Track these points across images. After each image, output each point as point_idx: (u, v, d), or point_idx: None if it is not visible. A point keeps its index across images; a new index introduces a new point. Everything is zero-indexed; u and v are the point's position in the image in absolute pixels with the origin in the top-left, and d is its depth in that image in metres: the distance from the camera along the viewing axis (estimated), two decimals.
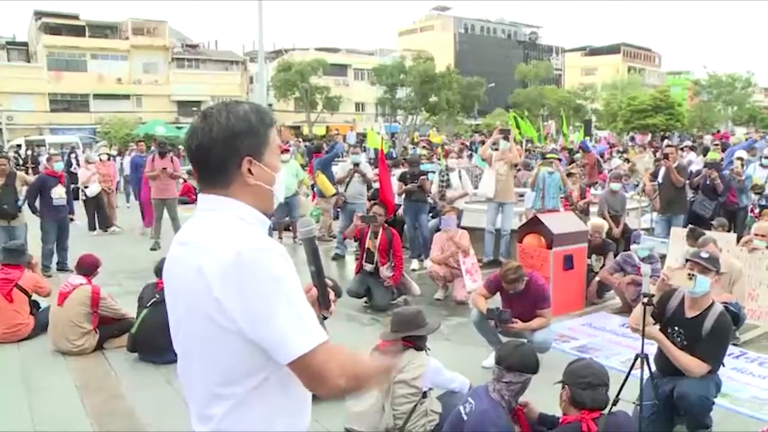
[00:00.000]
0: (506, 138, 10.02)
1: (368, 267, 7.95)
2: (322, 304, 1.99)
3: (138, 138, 24.24)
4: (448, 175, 10.27)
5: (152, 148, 14.37)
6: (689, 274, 4.20)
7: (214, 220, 1.73)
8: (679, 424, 4.38)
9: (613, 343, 6.53)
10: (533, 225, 7.87)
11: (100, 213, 13.51)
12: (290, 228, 11.91)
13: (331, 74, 56.74)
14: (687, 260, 4.46)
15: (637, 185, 13.17)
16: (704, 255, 4.33)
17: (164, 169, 11.35)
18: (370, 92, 57.37)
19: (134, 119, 45.83)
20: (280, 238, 11.61)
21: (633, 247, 7.78)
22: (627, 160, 18.63)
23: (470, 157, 17.87)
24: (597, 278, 7.97)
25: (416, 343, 4.15)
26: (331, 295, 2.02)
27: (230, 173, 1.74)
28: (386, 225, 8.23)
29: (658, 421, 4.19)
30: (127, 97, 52.45)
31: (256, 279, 1.58)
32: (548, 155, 10.85)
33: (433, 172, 10.93)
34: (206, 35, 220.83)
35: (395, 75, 50.29)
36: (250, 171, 1.74)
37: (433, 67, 50.40)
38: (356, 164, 10.92)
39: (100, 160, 14.40)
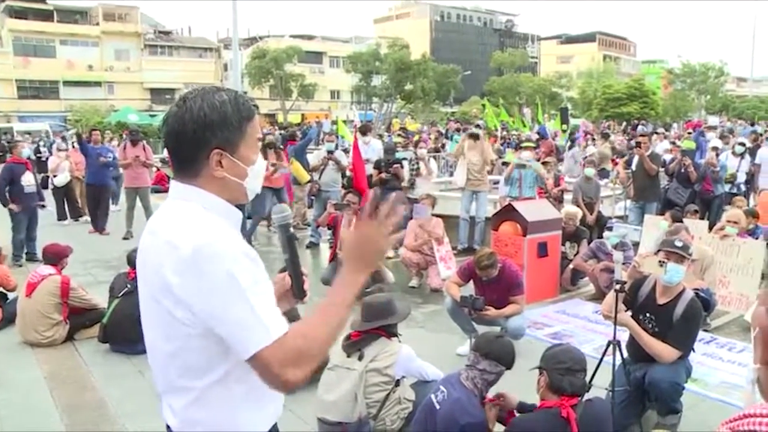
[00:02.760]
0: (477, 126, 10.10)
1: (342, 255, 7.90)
2: (296, 293, 1.96)
3: (92, 127, 21.25)
4: (418, 164, 10.28)
5: (124, 136, 14.06)
6: (660, 262, 4.24)
7: (181, 209, 1.70)
8: (650, 409, 4.42)
9: (587, 330, 6.59)
10: (508, 212, 7.89)
11: (69, 202, 13.24)
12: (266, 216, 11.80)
13: (306, 62, 56.33)
14: (659, 249, 4.48)
15: (609, 174, 13.22)
16: (678, 243, 4.35)
17: (137, 157, 11.20)
18: (346, 80, 57.16)
19: (106, 107, 45.17)
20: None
21: (606, 234, 7.82)
22: None
23: (443, 146, 17.86)
24: (571, 265, 8.02)
25: (387, 330, 4.14)
26: (306, 284, 1.97)
27: (199, 163, 1.70)
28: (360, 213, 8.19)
29: (629, 407, 4.23)
30: (98, 84, 51.76)
31: (211, 276, 1.55)
32: (523, 143, 10.84)
33: (406, 159, 10.91)
34: (179, 21, 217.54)
35: (370, 62, 50.18)
36: (220, 163, 1.70)
37: (408, 54, 50.34)
38: (330, 152, 10.86)
39: (74, 147, 14.10)
